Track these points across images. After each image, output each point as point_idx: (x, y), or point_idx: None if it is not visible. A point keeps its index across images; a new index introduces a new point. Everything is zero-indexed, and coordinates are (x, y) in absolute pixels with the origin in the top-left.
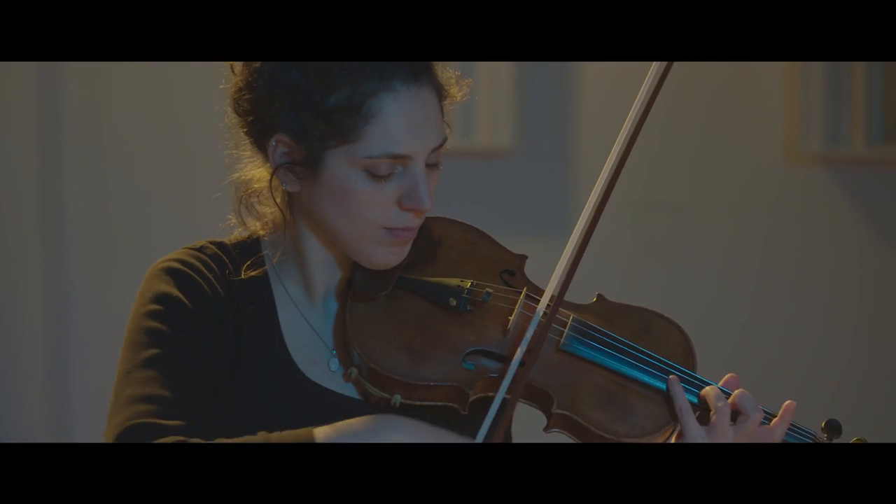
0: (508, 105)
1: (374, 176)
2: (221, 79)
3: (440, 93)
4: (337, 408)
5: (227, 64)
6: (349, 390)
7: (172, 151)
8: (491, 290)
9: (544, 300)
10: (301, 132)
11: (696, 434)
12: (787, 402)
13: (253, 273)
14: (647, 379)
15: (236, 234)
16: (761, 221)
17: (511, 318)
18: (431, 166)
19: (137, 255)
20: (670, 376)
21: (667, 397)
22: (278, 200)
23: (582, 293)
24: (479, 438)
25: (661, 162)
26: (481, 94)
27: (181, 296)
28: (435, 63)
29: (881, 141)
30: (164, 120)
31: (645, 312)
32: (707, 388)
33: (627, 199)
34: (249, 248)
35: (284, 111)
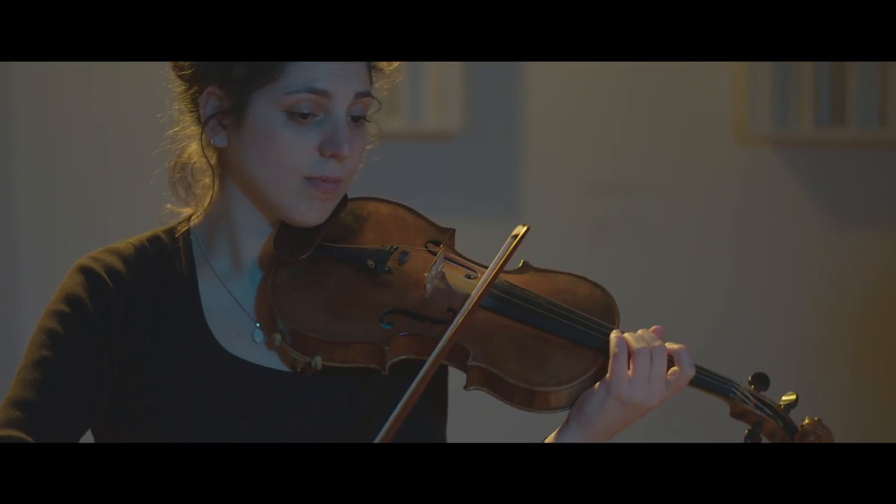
0: (456, 87)
1: (296, 119)
2: (164, 77)
3: None
4: (259, 380)
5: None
6: (273, 362)
7: (117, 143)
8: (409, 251)
9: (486, 276)
10: (227, 78)
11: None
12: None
13: (182, 270)
14: (562, 332)
15: (172, 222)
16: (710, 202)
17: (426, 275)
18: (356, 120)
19: (83, 244)
20: (611, 333)
21: (581, 349)
22: (206, 173)
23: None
24: (404, 397)
25: (610, 143)
26: (429, 77)
27: (85, 296)
28: None
29: (829, 122)
30: (111, 114)
31: (569, 275)
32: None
33: (577, 180)
34: (179, 232)
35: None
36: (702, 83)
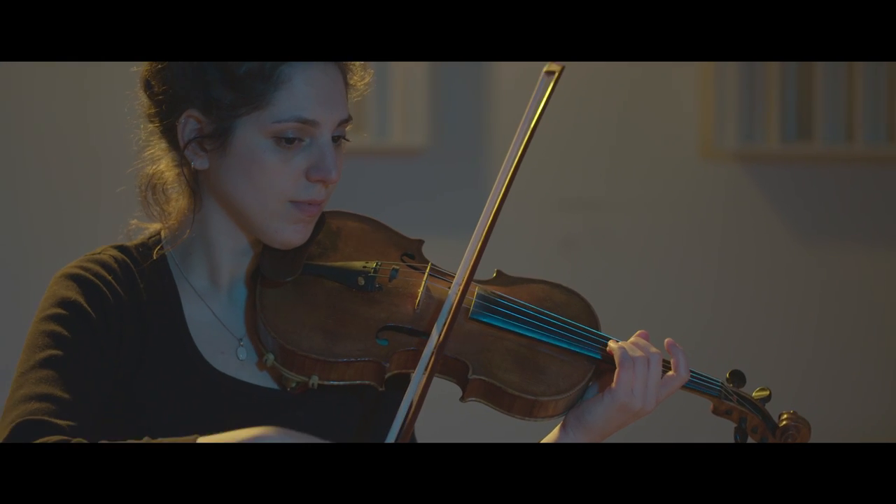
0: (423, 104)
1: (282, 145)
2: (128, 79)
3: (345, 74)
4: (245, 397)
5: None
6: (258, 378)
7: (81, 151)
8: (397, 267)
9: (458, 275)
10: (211, 103)
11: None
12: (667, 340)
13: (164, 285)
14: (555, 341)
15: (140, 237)
16: (677, 217)
17: (419, 291)
18: (336, 140)
19: (45, 254)
20: (609, 343)
21: (575, 357)
22: (188, 182)
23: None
24: (399, 416)
25: (576, 158)
26: (396, 93)
27: (82, 301)
28: None
29: (795, 138)
30: (75, 119)
31: (545, 283)
32: (611, 343)
33: (542, 196)
34: (150, 248)
35: (197, 83)
36: (668, 99)
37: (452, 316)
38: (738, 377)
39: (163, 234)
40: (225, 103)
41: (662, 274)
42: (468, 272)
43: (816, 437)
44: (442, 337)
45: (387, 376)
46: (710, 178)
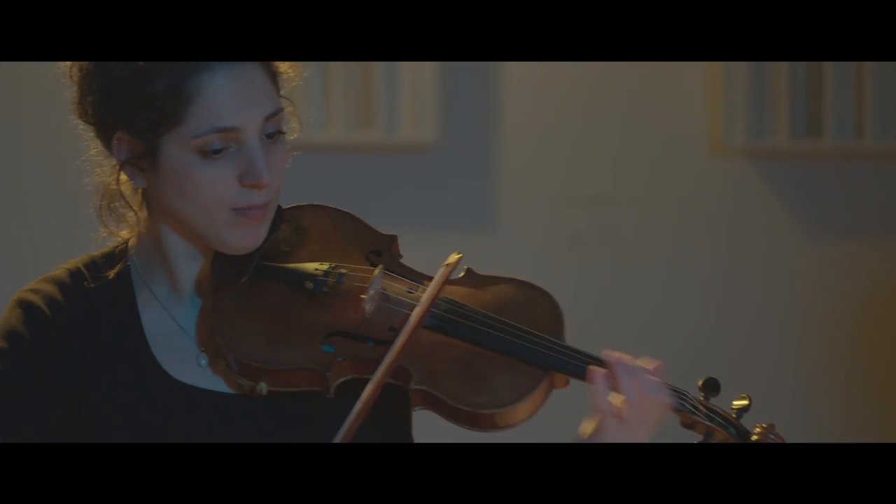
0: (432, 100)
1: (209, 157)
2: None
3: (267, 67)
4: (205, 405)
5: (64, 71)
6: (219, 385)
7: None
8: (345, 271)
9: (430, 290)
10: (134, 125)
11: (611, 434)
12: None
13: (122, 298)
14: (504, 348)
15: (109, 246)
16: (685, 213)
17: (364, 296)
18: (272, 137)
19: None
20: (589, 368)
21: (525, 365)
22: (134, 200)
23: None
24: (346, 423)
25: (584, 155)
26: (405, 89)
27: (26, 331)
28: None
29: (805, 134)
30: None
31: (513, 282)
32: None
33: (550, 192)
34: (116, 257)
35: (117, 107)
36: (677, 95)
37: (407, 336)
38: (710, 386)
39: (129, 242)
40: (146, 123)
41: (670, 270)
42: (429, 299)
43: (822, 437)
44: (393, 357)
45: (333, 384)
46: (719, 174)
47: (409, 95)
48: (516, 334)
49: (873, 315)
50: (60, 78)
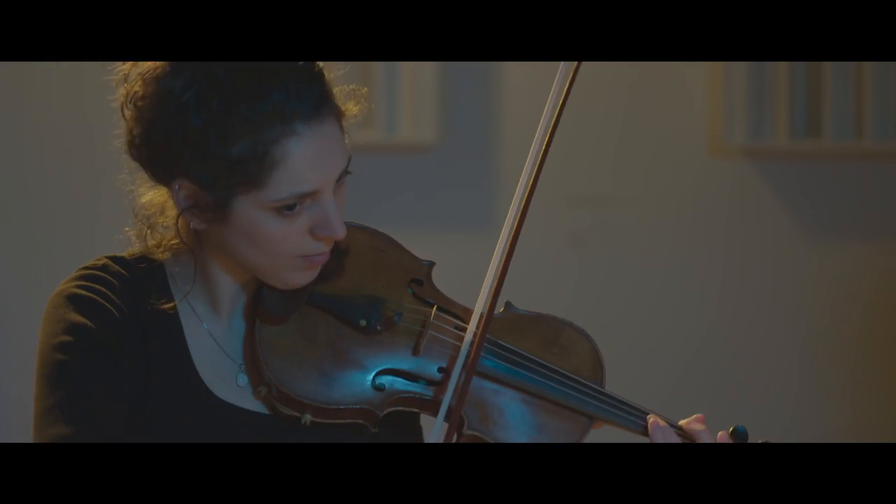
0: (432, 100)
1: (284, 214)
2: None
3: (339, 117)
4: (244, 425)
5: (116, 105)
6: (258, 406)
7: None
8: (402, 311)
9: (472, 323)
10: (205, 180)
11: None
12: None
13: (164, 304)
14: (557, 396)
15: (135, 248)
16: (684, 213)
17: (422, 340)
18: (338, 180)
19: (52, 257)
20: (649, 418)
21: (574, 413)
22: (184, 236)
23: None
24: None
25: (583, 154)
26: (405, 89)
27: (89, 323)
28: (332, 82)
29: (804, 134)
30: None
31: (554, 321)
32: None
33: (550, 192)
34: (151, 266)
35: (185, 159)
36: (676, 94)
37: (465, 381)
38: (739, 435)
39: (160, 253)
40: (220, 183)
41: (670, 270)
42: (479, 333)
43: (823, 437)
44: (455, 401)
45: (380, 418)
46: (718, 174)
47: (408, 95)
48: (567, 384)
49: (873, 315)
50: (60, 78)
